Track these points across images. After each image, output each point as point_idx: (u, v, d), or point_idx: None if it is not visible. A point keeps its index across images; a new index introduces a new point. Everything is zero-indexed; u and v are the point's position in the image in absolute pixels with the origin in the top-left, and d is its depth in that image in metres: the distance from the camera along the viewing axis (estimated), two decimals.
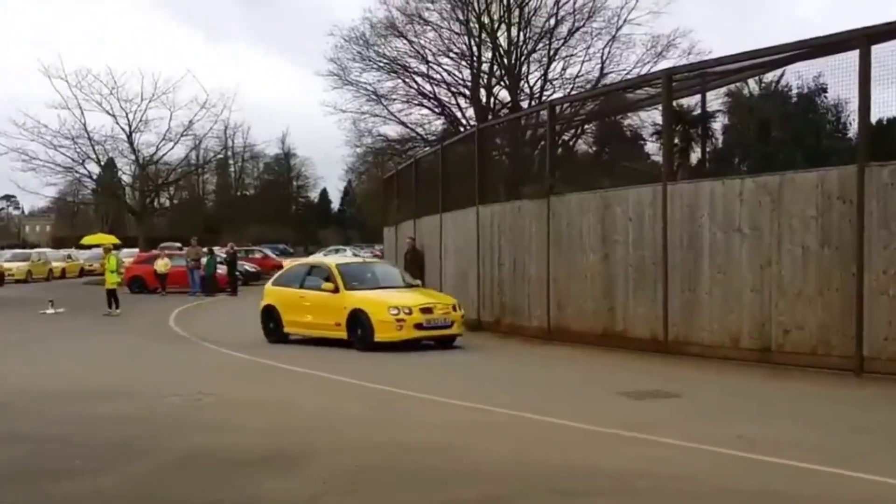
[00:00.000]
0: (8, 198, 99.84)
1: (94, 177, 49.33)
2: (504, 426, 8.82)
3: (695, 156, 18.44)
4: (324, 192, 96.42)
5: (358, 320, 14.84)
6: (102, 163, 48.34)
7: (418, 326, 14.74)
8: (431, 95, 39.51)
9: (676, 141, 17.60)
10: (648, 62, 35.46)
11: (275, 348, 15.69)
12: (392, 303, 14.84)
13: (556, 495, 6.28)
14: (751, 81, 17.61)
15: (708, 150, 18.04)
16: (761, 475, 6.78)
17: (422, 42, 38.53)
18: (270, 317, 16.61)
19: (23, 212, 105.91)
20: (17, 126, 42.27)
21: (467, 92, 38.96)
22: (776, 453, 7.25)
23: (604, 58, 36.96)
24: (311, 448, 7.72)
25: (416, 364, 13.57)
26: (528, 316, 16.52)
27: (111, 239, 37.34)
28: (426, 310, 14.93)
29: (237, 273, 33.49)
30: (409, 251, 22.50)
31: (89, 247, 52.85)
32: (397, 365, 13.40)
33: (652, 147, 21.96)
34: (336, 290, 15.36)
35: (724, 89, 18.57)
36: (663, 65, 32.19)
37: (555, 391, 10.97)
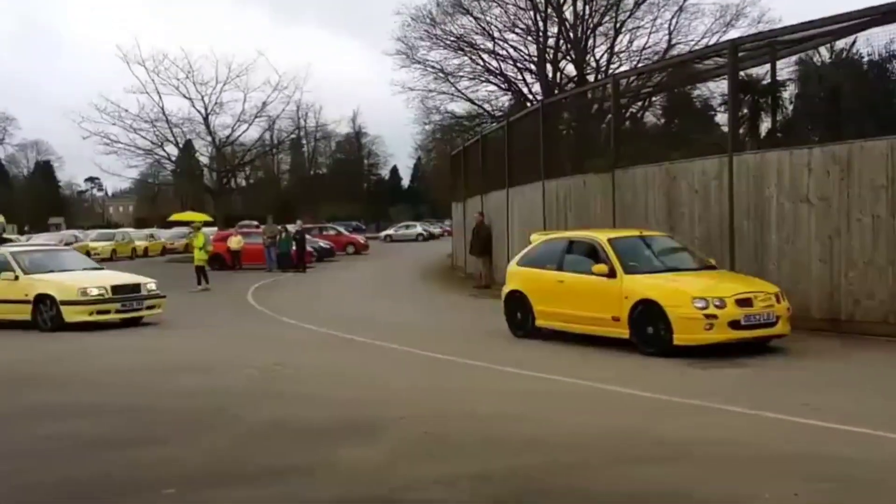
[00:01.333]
0: (92, 180, 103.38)
1: (173, 158, 50.77)
2: (573, 395, 9.04)
3: (764, 126, 18.20)
4: (394, 170, 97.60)
5: (648, 315, 11.19)
6: (181, 145, 49.70)
7: (734, 325, 10.79)
8: (498, 72, 39.51)
9: (745, 111, 17.41)
10: (717, 32, 34.85)
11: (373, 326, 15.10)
12: (696, 291, 11.03)
13: (618, 463, 6.44)
14: (822, 49, 17.26)
15: (778, 119, 17.78)
16: (827, 442, 6.84)
17: (487, 18, 38.53)
18: (518, 305, 13.30)
19: (106, 193, 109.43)
20: (99, 111, 43.81)
21: (533, 67, 38.80)
22: (844, 421, 7.29)
23: (671, 29, 36.45)
24: (380, 417, 8.02)
25: (496, 335, 13.77)
26: None
27: (201, 216, 38.36)
28: (743, 301, 10.94)
29: (311, 250, 34.28)
30: (476, 226, 22.80)
31: (174, 224, 54.52)
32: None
33: (722, 118, 21.67)
34: (611, 274, 11.73)
35: (794, 58, 18.26)
36: (732, 34, 31.55)
37: (620, 361, 11.09)
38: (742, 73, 16.46)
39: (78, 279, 16.12)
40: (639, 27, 37.26)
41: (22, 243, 27.02)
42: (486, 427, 7.61)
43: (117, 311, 16.00)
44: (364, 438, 7.26)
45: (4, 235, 38.31)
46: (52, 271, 16.50)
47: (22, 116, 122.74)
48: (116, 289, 16.16)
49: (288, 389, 9.70)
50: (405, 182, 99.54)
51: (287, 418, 8.12)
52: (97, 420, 8.29)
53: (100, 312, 15.75)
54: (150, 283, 16.87)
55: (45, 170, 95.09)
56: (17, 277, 16.14)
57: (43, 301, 15.68)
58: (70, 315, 15.47)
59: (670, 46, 35.98)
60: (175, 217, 42.53)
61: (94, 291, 15.75)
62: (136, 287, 16.59)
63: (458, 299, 20.85)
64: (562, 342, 12.56)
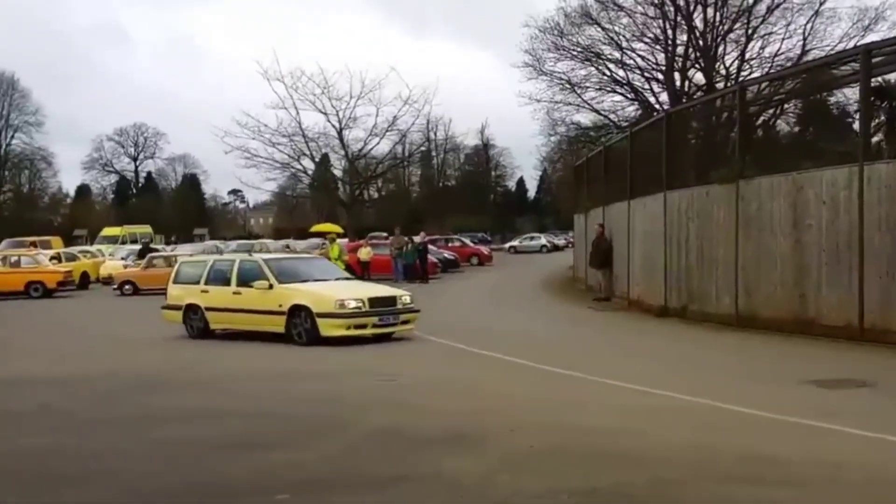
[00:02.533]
0: (235, 192, 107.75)
1: (310, 172, 52.49)
2: (684, 412, 8.89)
3: None
4: (520, 181, 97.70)
5: None
6: (317, 159, 51.35)
7: None
8: (624, 81, 38.99)
9: (882, 118, 16.67)
10: (854, 36, 33.19)
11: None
12: None
13: (726, 482, 6.34)
14: None
15: None
16: None
17: (616, 28, 38.06)
18: None
19: (248, 205, 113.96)
20: (240, 126, 45.76)
21: (661, 76, 38.11)
22: None
23: (805, 34, 34.97)
24: (488, 428, 8.15)
25: (611, 348, 13.68)
26: (716, 302, 16.26)
27: (336, 228, 40.49)
28: None
29: (435, 261, 34.96)
30: (596, 238, 22.66)
31: (311, 236, 56.81)
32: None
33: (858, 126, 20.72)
34: None
35: None
36: (871, 38, 30.12)
37: (738, 378, 10.85)
38: (880, 78, 15.79)
39: (334, 290, 15.14)
40: (771, 33, 35.98)
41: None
42: (593, 441, 7.62)
43: (374, 326, 14.84)
44: (471, 450, 7.38)
45: (152, 245, 40.65)
46: (305, 280, 15.61)
47: (171, 131, 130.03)
48: (374, 301, 14.94)
49: (403, 399, 9.95)
50: (531, 193, 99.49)
51: (399, 427, 8.34)
52: (220, 424, 8.74)
53: (357, 327, 14.64)
54: (405, 296, 15.63)
55: (191, 182, 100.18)
56: (270, 286, 15.28)
57: (298, 312, 14.79)
58: (327, 328, 14.52)
59: (804, 52, 34.57)
60: (315, 228, 44.61)
61: (352, 304, 14.60)
62: (392, 300, 15.39)
63: (577, 311, 20.75)
64: None
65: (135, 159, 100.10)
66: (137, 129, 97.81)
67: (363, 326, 14.71)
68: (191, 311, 16.56)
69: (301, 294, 14.94)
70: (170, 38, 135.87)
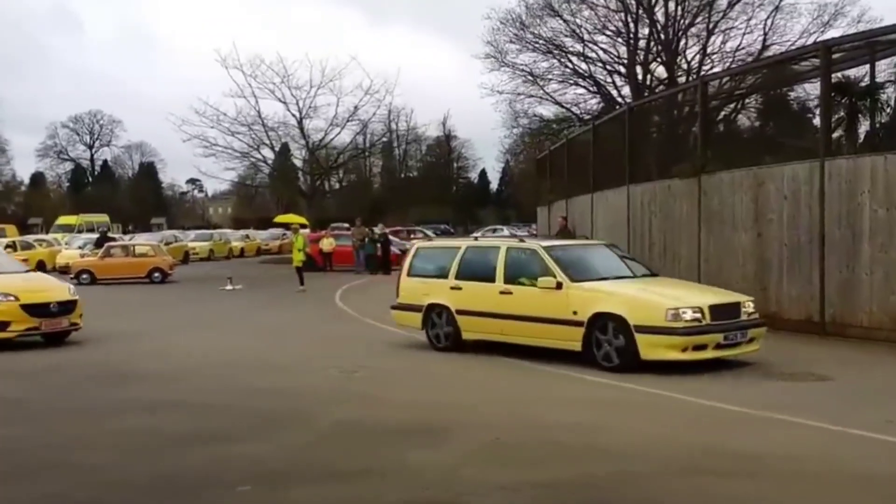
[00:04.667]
0: (193, 181, 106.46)
1: (269, 162, 52.00)
2: (649, 405, 8.91)
3: (862, 129, 17.56)
4: (483, 173, 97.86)
5: None
6: (276, 148, 50.81)
7: None
8: (587, 74, 39.18)
9: (842, 114, 16.85)
10: (814, 32, 33.76)
11: None
12: None
13: (693, 475, 6.37)
14: None
15: (877, 122, 17.15)
16: None
17: (577, 21, 38.24)
18: None
19: (206, 195, 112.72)
20: (198, 114, 45.00)
21: (623, 70, 38.35)
22: None
23: (766, 29, 35.48)
24: (454, 422, 8.09)
25: None
26: None
27: (300, 219, 40.28)
28: None
29: (398, 252, 34.78)
30: (559, 231, 22.72)
31: (271, 226, 56.27)
32: None
33: (819, 121, 20.91)
34: None
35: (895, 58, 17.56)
36: (831, 34, 30.59)
37: (702, 372, 10.90)
38: (840, 74, 15.96)
39: (655, 293, 11.03)
40: (732, 28, 36.45)
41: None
42: (559, 435, 7.60)
43: (716, 347, 10.47)
44: (435, 442, 7.36)
45: (109, 234, 39.98)
46: (603, 278, 11.50)
47: (127, 119, 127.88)
48: (715, 310, 10.59)
49: (366, 391, 9.86)
50: (493, 185, 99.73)
51: (363, 419, 8.27)
52: (180, 416, 8.60)
53: (696, 347, 10.37)
54: (748, 302, 11.12)
55: (148, 171, 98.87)
56: (559, 285, 11.23)
57: (603, 324, 10.72)
58: (650, 349, 10.36)
59: (765, 47, 35.03)
60: (279, 219, 44.24)
61: (688, 314, 10.32)
62: (736, 308, 10.90)
63: None
64: None
65: (90, 147, 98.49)
66: (93, 117, 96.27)
67: (702, 347, 10.42)
68: (434, 313, 12.85)
69: (608, 298, 10.87)
70: (124, 26, 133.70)
